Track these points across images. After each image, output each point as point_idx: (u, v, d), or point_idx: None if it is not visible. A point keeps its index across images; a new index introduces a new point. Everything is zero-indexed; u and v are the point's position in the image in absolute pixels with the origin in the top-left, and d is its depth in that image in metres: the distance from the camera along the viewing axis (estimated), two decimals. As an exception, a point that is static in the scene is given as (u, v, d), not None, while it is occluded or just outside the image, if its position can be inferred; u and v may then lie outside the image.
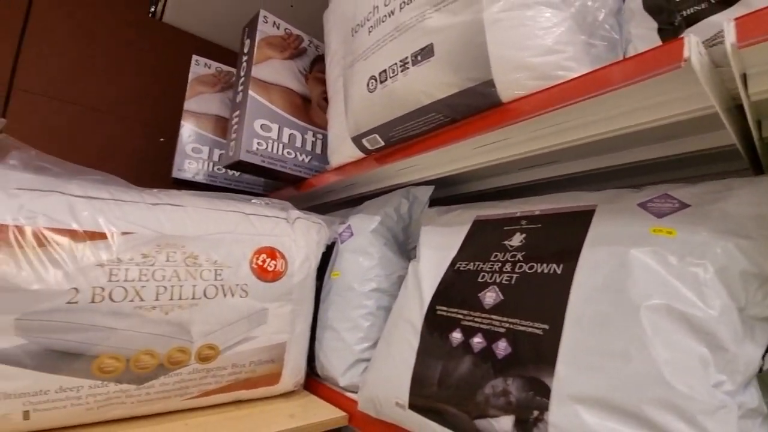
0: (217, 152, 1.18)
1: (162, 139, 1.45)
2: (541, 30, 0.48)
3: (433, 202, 0.89)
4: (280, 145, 0.95)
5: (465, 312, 0.52)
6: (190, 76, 1.17)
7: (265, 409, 0.68)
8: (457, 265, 0.59)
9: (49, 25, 1.21)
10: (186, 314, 0.58)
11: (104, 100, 1.31)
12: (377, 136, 0.70)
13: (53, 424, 0.52)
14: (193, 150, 1.14)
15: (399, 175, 0.88)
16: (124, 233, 0.56)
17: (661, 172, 0.71)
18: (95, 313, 0.51)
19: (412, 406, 0.53)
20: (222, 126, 1.20)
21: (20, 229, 0.49)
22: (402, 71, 0.60)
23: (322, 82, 1.06)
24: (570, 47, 0.49)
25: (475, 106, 0.56)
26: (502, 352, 0.45)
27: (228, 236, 0.65)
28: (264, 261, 0.67)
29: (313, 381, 0.81)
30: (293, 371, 0.73)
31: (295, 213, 0.81)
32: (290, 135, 0.97)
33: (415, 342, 0.56)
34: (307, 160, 1.00)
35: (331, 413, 0.69)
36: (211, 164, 1.16)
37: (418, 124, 0.63)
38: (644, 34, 0.47)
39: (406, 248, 0.89)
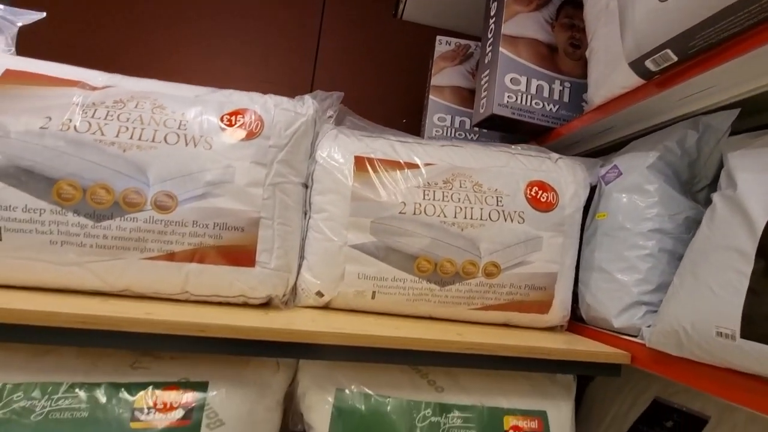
0: (457, 119, 1.30)
1: (404, 120, 1.71)
2: None
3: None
4: (528, 97, 0.97)
5: (841, 225, 0.41)
6: (435, 54, 1.33)
7: (537, 336, 0.72)
8: (812, 180, 0.47)
9: (331, 44, 1.60)
10: (476, 232, 0.68)
11: (365, 93, 1.63)
12: (669, 52, 0.62)
13: (384, 307, 0.70)
14: (438, 119, 1.30)
15: (676, 106, 0.76)
16: (427, 164, 0.70)
17: None
18: (415, 223, 0.66)
19: (748, 334, 0.46)
20: (460, 95, 1.32)
21: (369, 160, 0.68)
22: (718, -42, 0.52)
23: (569, 27, 1.02)
24: None
25: None
26: None
27: (504, 169, 0.72)
28: (537, 192, 0.71)
29: (576, 325, 0.80)
30: (562, 304, 0.74)
31: (555, 154, 0.82)
32: (537, 86, 0.98)
33: (746, 267, 0.48)
34: (554, 110, 0.98)
35: (610, 350, 0.67)
36: (453, 130, 1.29)
37: (741, 19, 0.53)
38: None
39: (691, 189, 0.77)
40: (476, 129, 1.24)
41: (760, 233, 0.49)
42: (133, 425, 0.54)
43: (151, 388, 0.57)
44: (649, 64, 0.66)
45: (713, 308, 0.50)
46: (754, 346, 0.45)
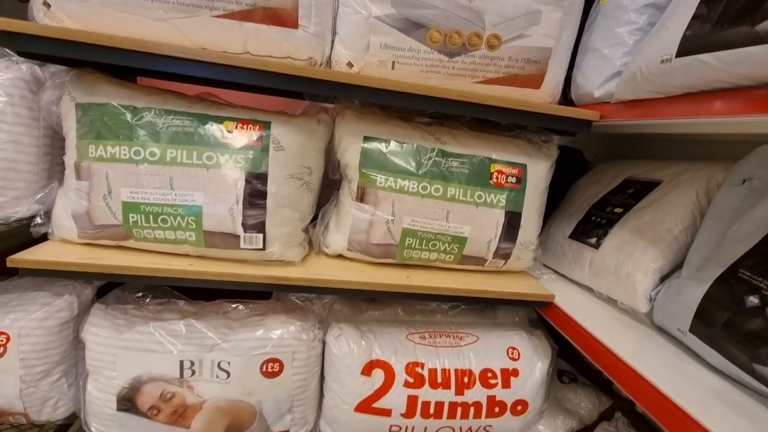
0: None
1: None
2: None
3: None
4: None
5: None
6: None
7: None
8: None
9: None
10: (482, 5, 0.78)
11: None
12: None
13: (402, 76, 0.86)
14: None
15: None
16: (444, -61, 0.76)
17: None
18: (430, -5, 0.77)
19: (682, 54, 0.59)
20: None
21: (391, -68, 0.75)
22: None
23: None
24: None
25: None
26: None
27: (515, -56, 0.77)
28: (543, -33, 0.77)
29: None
30: (554, 80, 0.86)
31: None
32: None
33: (695, 2, 0.59)
34: None
35: (583, 110, 0.83)
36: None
37: None
38: None
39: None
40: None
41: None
42: (223, 140, 0.78)
43: (231, 120, 0.79)
44: None
45: (663, 43, 0.63)
46: (685, 60, 0.58)
